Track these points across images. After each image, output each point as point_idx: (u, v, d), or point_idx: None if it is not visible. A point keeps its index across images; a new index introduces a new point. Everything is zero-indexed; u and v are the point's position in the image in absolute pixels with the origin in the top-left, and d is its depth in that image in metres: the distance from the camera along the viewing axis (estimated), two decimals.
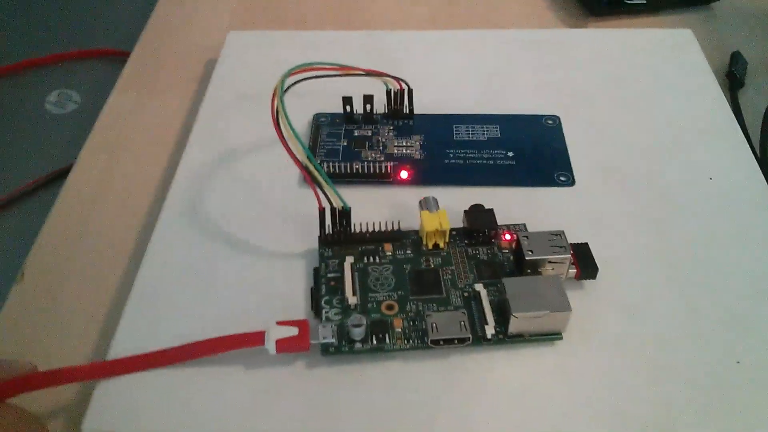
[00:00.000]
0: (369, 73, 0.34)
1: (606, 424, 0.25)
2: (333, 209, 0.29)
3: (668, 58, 0.41)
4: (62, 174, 0.47)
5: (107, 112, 0.41)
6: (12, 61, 0.54)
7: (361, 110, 0.36)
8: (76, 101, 0.53)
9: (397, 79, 0.35)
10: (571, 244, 0.29)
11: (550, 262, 0.28)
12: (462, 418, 0.25)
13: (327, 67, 0.33)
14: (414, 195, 0.33)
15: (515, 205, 0.32)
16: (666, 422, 0.25)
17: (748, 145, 0.35)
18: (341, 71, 0.33)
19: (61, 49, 0.55)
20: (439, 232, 0.29)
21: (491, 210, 0.30)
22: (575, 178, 0.33)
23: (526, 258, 0.28)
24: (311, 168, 0.28)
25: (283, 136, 0.29)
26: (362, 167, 0.33)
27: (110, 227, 0.34)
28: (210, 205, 0.33)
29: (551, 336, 0.27)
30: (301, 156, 0.28)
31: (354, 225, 0.30)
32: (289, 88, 0.31)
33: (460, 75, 0.40)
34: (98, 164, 0.38)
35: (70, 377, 0.25)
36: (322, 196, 0.29)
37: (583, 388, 0.26)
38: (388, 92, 0.35)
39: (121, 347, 0.27)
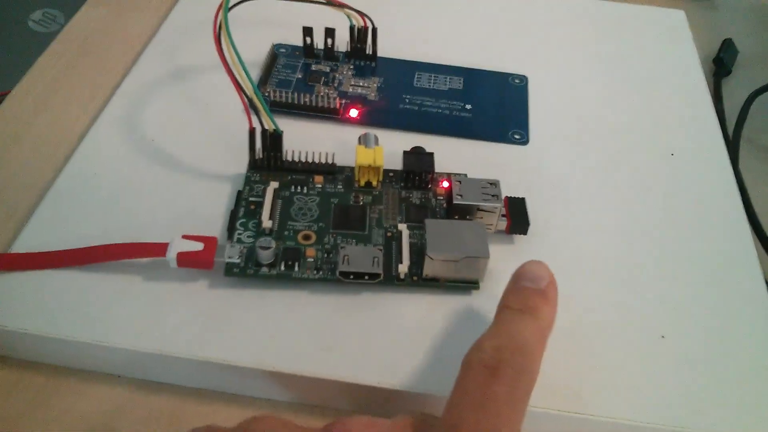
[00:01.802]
0: (330, 2, 0.32)
1: None
2: (264, 132, 0.28)
3: (656, 36, 0.39)
4: None
5: (73, 25, 0.40)
6: None
7: (322, 45, 0.35)
8: (60, 22, 0.52)
9: (362, 14, 0.33)
10: (507, 197, 0.27)
11: (480, 209, 0.26)
12: (356, 356, 0.24)
13: None
14: (359, 134, 0.31)
15: (462, 157, 0.31)
16: (576, 390, 0.23)
17: (719, 129, 0.34)
18: None
19: None
20: (373, 169, 0.28)
21: (431, 154, 0.29)
22: (530, 138, 0.32)
23: (454, 202, 0.26)
24: (246, 87, 0.27)
25: (222, 53, 0.28)
26: (311, 100, 0.32)
27: (50, 134, 0.33)
28: (150, 118, 0.32)
29: (468, 284, 0.25)
30: (238, 72, 0.27)
31: (287, 152, 0.29)
32: (234, 5, 0.30)
33: (432, 24, 0.38)
34: (53, 71, 0.36)
35: None
36: (255, 117, 0.28)
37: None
38: (352, 29, 0.34)
39: (27, 243, 0.26)
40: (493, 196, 0.26)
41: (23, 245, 0.26)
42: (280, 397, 0.24)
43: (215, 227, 0.27)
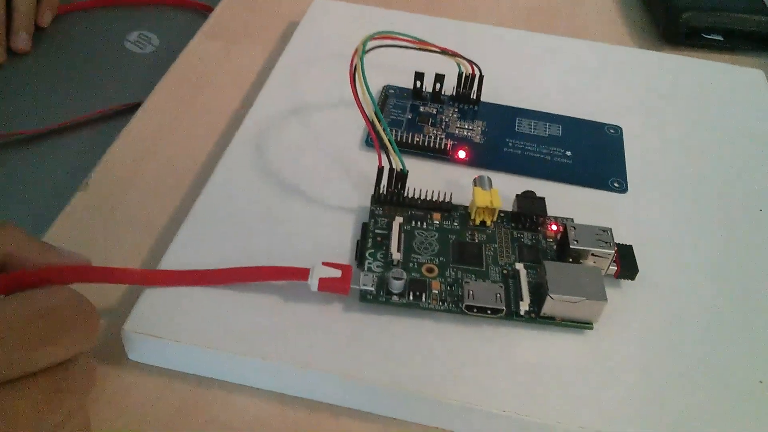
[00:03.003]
0: (444, 52, 0.35)
1: (614, 421, 0.25)
2: (391, 170, 0.30)
3: (736, 93, 0.41)
4: (134, 108, 0.49)
5: (189, 52, 0.43)
6: None
7: (430, 88, 0.37)
8: (155, 44, 0.55)
9: (471, 63, 0.36)
10: (615, 243, 0.29)
11: (593, 254, 0.28)
12: (481, 385, 0.26)
13: (406, 38, 0.34)
14: (468, 175, 0.34)
15: (565, 201, 0.33)
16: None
17: None
18: (418, 45, 0.34)
19: None
20: (489, 210, 0.30)
21: (543, 198, 0.31)
22: (629, 186, 0.34)
23: (571, 246, 0.28)
24: (378, 127, 0.29)
25: (357, 94, 0.30)
26: (423, 140, 0.35)
27: (177, 154, 0.36)
28: (276, 147, 0.34)
29: (582, 324, 0.27)
30: (371, 115, 0.30)
31: (408, 189, 0.31)
32: (368, 51, 0.33)
33: (532, 73, 0.41)
34: (175, 96, 0.39)
35: (121, 278, 0.27)
36: (384, 156, 0.30)
37: (604, 381, 0.26)
38: (460, 75, 0.36)
39: (172, 260, 0.29)
40: (606, 242, 0.28)
41: (169, 263, 0.29)
42: (407, 417, 0.26)
43: (343, 256, 0.30)
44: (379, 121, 0.29)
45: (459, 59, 0.36)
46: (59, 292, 0.22)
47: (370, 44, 0.33)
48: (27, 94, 0.49)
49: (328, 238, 0.30)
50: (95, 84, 0.51)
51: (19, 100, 0.49)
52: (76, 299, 0.22)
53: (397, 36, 0.33)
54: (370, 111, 0.30)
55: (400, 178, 0.30)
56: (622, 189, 0.34)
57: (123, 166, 0.35)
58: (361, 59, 0.30)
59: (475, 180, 0.31)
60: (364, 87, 0.30)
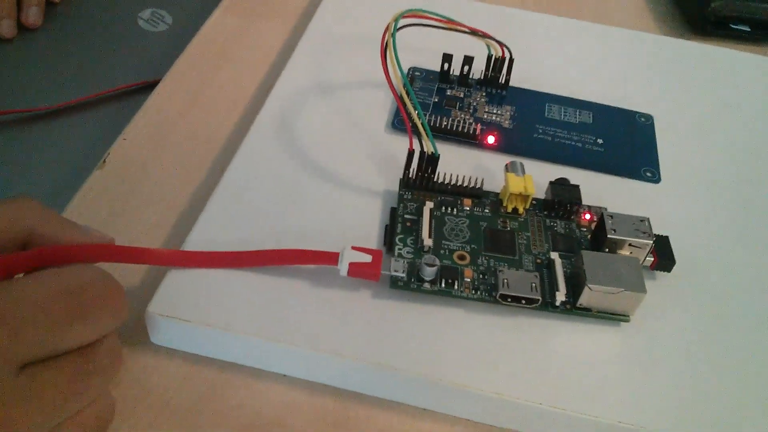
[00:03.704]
0: (475, 33, 0.34)
1: (651, 415, 0.24)
2: (421, 154, 0.29)
3: (759, 83, 0.40)
4: (150, 86, 0.48)
5: (208, 28, 0.41)
6: None
7: (457, 71, 0.36)
8: (168, 22, 0.54)
9: (501, 44, 0.35)
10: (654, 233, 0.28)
11: (630, 244, 0.27)
12: (514, 376, 0.25)
13: (437, 18, 0.33)
14: (496, 160, 0.33)
15: (597, 189, 0.32)
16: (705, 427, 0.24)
17: None
18: (449, 25, 0.33)
19: None
20: (522, 197, 0.29)
21: (577, 186, 0.30)
22: (661, 176, 0.33)
23: (609, 236, 0.27)
24: (411, 109, 0.28)
25: (388, 73, 0.29)
26: (450, 124, 0.34)
27: (197, 132, 0.35)
28: (300, 127, 0.33)
29: (618, 316, 0.27)
30: (403, 96, 0.29)
31: (437, 174, 0.30)
32: (399, 29, 0.32)
33: (562, 59, 0.40)
34: (194, 73, 0.38)
35: (147, 258, 0.26)
36: (414, 139, 0.29)
37: (641, 375, 0.26)
38: (489, 57, 0.35)
39: (197, 241, 0.28)
40: (644, 233, 0.28)
41: (194, 243, 0.28)
42: (436, 408, 0.26)
43: (370, 240, 0.29)
44: (412, 103, 0.28)
45: (489, 41, 0.35)
46: (86, 271, 0.21)
47: (401, 22, 0.32)
48: (38, 70, 0.48)
49: (353, 221, 0.29)
50: (108, 61, 0.50)
51: (30, 76, 0.47)
52: (104, 278, 0.21)
53: (429, 15, 0.32)
54: (402, 91, 0.29)
55: (431, 161, 0.29)
56: (655, 179, 0.33)
57: (141, 144, 0.34)
58: (393, 36, 0.29)
59: (507, 165, 0.30)
60: (396, 66, 0.29)
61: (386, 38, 0.30)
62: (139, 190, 0.32)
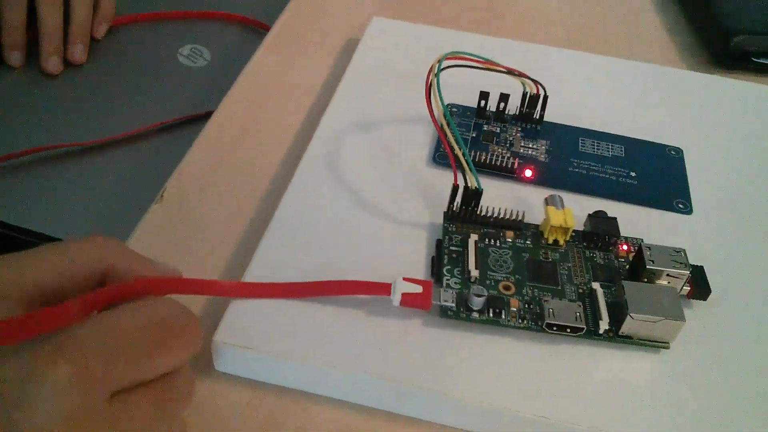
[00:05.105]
0: (511, 72, 0.36)
1: None
2: (465, 188, 0.31)
3: None
4: (193, 120, 0.50)
5: (252, 67, 0.43)
6: (154, 10, 0.58)
7: (493, 108, 0.38)
8: (206, 58, 0.56)
9: (536, 83, 0.36)
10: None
11: (668, 275, 0.29)
12: (559, 399, 0.26)
13: (476, 59, 0.35)
14: (534, 193, 0.34)
15: (632, 221, 0.33)
16: None
17: None
18: (486, 65, 0.35)
19: (201, 8, 0.59)
20: (562, 229, 0.31)
21: (615, 219, 0.32)
22: (693, 207, 0.35)
23: (647, 267, 0.29)
24: (455, 146, 0.30)
25: (433, 112, 0.31)
26: (488, 158, 0.35)
27: (248, 167, 0.37)
28: (345, 162, 0.35)
29: (658, 344, 0.28)
30: (448, 134, 0.30)
31: (480, 207, 0.31)
32: (448, 68, 0.33)
33: (592, 94, 0.41)
34: (241, 108, 0.40)
35: (212, 289, 0.27)
36: (459, 174, 0.31)
37: (682, 400, 0.27)
38: (524, 94, 0.37)
39: (255, 274, 0.29)
40: (681, 263, 0.29)
41: (252, 276, 0.29)
42: (485, 431, 0.27)
43: (416, 270, 0.30)
44: (455, 139, 0.30)
45: (525, 79, 0.36)
46: (164, 303, 0.23)
47: (443, 63, 0.33)
48: (83, 105, 0.51)
49: (400, 252, 0.31)
50: (150, 96, 0.52)
51: (76, 112, 0.50)
52: (182, 310, 0.23)
53: (469, 56, 0.34)
54: (446, 129, 0.31)
55: (474, 195, 0.31)
56: (687, 210, 0.34)
57: (196, 178, 0.36)
58: (437, 77, 0.31)
59: (546, 199, 0.32)
60: (440, 105, 0.31)
61: (430, 78, 0.31)
62: (196, 224, 0.34)
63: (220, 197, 0.35)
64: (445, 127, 0.30)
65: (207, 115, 0.50)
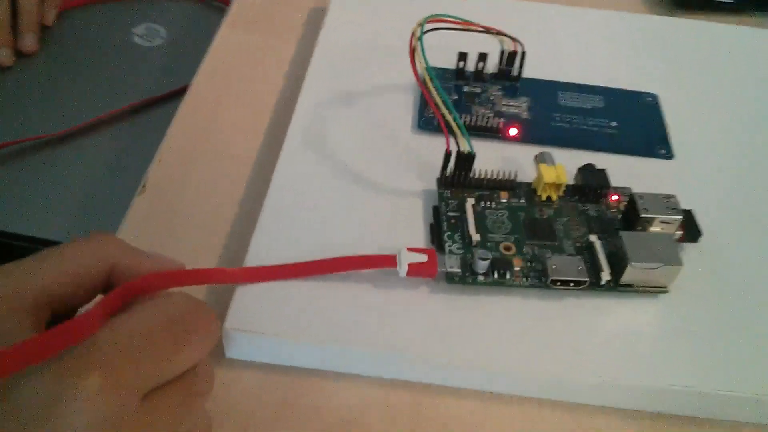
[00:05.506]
0: (488, 31, 0.35)
1: (697, 377, 0.27)
2: (458, 153, 0.31)
3: (751, 54, 0.42)
4: (158, 101, 0.48)
5: (217, 45, 0.42)
6: None
7: (471, 68, 0.38)
8: (163, 36, 0.55)
9: (514, 40, 0.36)
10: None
11: (662, 221, 0.30)
12: (569, 356, 0.27)
13: (454, 20, 0.34)
14: (520, 151, 0.34)
15: (618, 171, 0.33)
16: (750, 386, 0.27)
17: None
18: (465, 26, 0.35)
19: None
20: (555, 185, 0.31)
21: (604, 170, 0.32)
22: (674, 152, 0.35)
23: (641, 215, 0.29)
24: (444, 110, 0.30)
25: (419, 78, 0.31)
26: (472, 120, 0.35)
27: (228, 149, 0.36)
28: (329, 136, 0.35)
29: (657, 289, 0.29)
30: (436, 99, 0.30)
31: (473, 171, 0.32)
32: (429, 32, 0.33)
33: (564, 47, 0.41)
34: (212, 90, 0.39)
35: (219, 278, 0.27)
36: (451, 139, 0.30)
37: (682, 340, 0.28)
38: (502, 52, 0.37)
39: (255, 258, 0.29)
40: (673, 209, 0.30)
41: (254, 259, 0.29)
42: (503, 390, 0.27)
43: (418, 240, 0.30)
44: (447, 106, 0.30)
45: (502, 37, 0.36)
46: (179, 298, 0.22)
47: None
48: (40, 95, 0.49)
49: (397, 223, 0.31)
50: (109, 80, 0.50)
51: (32, 103, 0.48)
52: (195, 302, 0.23)
53: (447, 18, 0.34)
54: (435, 95, 0.30)
55: (467, 159, 0.31)
56: (668, 155, 0.35)
57: (176, 166, 0.35)
58: (420, 41, 0.31)
59: (536, 157, 0.32)
60: (427, 72, 0.31)
61: (413, 43, 0.31)
62: (183, 213, 0.33)
63: (204, 184, 0.34)
64: (434, 93, 0.30)
65: (172, 95, 0.49)
